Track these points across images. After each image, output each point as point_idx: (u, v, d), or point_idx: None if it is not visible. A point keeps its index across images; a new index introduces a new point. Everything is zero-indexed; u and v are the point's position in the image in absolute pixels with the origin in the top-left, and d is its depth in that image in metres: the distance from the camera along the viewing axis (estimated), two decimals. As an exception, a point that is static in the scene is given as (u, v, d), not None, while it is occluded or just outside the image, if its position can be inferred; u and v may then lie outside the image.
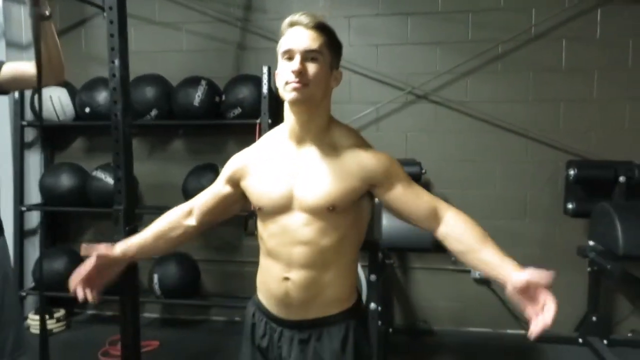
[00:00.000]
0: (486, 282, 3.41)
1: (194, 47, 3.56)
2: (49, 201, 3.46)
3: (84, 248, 1.43)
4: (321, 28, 1.27)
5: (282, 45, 1.27)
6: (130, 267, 2.03)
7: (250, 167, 1.39)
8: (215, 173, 3.35)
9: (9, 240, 3.39)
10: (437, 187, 3.36)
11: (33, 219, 3.70)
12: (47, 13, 1.73)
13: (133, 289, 2.08)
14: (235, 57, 3.50)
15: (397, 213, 1.35)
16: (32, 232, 3.69)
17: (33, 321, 3.43)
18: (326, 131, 1.32)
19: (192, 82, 3.28)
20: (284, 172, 1.32)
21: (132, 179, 2.11)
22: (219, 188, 1.46)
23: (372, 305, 2.76)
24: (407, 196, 1.32)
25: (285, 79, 1.25)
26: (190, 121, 3.34)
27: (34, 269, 3.47)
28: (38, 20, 1.66)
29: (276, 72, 1.28)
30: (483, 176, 3.35)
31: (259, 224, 1.40)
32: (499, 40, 3.25)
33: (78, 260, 3.85)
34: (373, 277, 2.66)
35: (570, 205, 3.10)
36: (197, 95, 3.22)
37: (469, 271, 3.39)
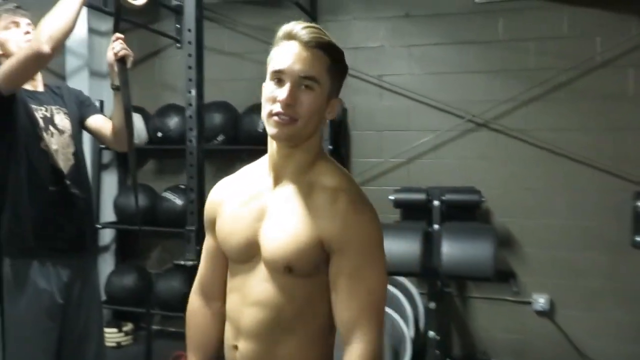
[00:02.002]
0: (548, 315, 3.32)
1: (260, 75, 3.71)
2: (122, 220, 3.68)
3: None
4: (324, 48, 1.03)
5: (273, 62, 1.05)
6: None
7: (223, 203, 1.17)
8: (277, 197, 3.47)
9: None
10: (497, 216, 3.33)
11: (107, 236, 3.94)
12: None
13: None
14: (298, 86, 3.64)
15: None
16: (106, 249, 3.92)
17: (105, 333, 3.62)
18: (309, 168, 1.08)
19: (257, 109, 3.42)
20: (253, 212, 1.10)
21: (203, 201, 2.23)
22: (208, 244, 1.22)
23: (431, 333, 2.77)
24: (341, 285, 1.02)
25: (270, 107, 1.04)
26: (254, 146, 3.49)
27: (107, 284, 3.67)
28: (128, 84, 1.87)
29: (263, 85, 1.09)
30: (545, 205, 3.30)
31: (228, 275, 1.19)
32: (561, 68, 3.22)
33: (146, 277, 4.04)
34: (432, 304, 2.67)
35: (639, 238, 3.00)
36: (261, 122, 3.36)
37: (530, 302, 3.32)
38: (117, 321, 3.73)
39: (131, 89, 4.06)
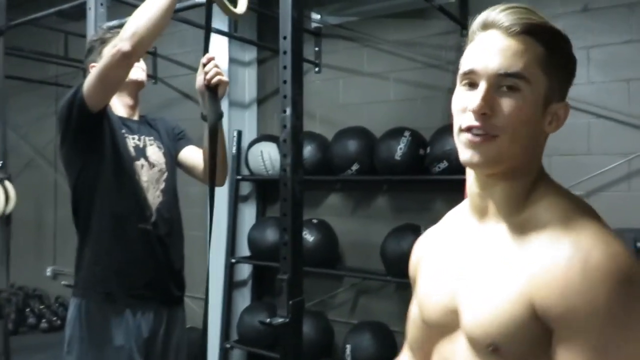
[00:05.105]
0: None
1: (401, 96, 3.30)
2: (255, 255, 3.50)
3: None
4: (536, 32, 0.77)
5: (463, 62, 0.81)
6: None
7: (422, 260, 0.95)
8: (417, 235, 2.97)
9: (219, 292, 3.51)
10: None
11: (245, 271, 3.79)
12: (220, 113, 1.66)
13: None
14: (445, 104, 3.10)
15: None
16: (242, 284, 3.77)
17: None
18: (522, 202, 0.79)
19: (395, 133, 3.00)
20: (451, 268, 0.85)
21: (300, 243, 1.88)
22: (414, 312, 0.97)
23: None
24: None
25: (459, 121, 0.79)
26: (391, 176, 3.04)
27: (239, 322, 3.49)
28: (217, 119, 1.60)
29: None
30: None
31: None
32: None
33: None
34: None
35: None
36: (399, 148, 2.92)
37: None
38: (249, 363, 3.52)
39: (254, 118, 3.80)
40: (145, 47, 1.54)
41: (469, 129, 0.77)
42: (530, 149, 0.79)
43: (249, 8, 1.67)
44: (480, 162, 0.77)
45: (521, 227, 0.77)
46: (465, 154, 0.78)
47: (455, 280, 0.83)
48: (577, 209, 0.76)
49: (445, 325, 0.84)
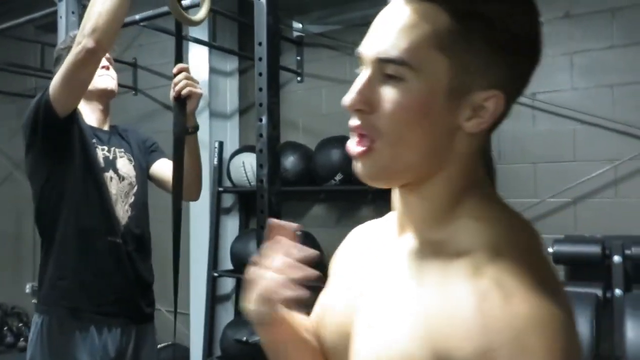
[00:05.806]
0: None
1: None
2: (239, 268, 3.41)
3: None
4: None
5: None
6: None
7: (339, 260, 0.82)
8: (403, 246, 2.92)
9: (202, 306, 3.43)
10: None
11: (228, 285, 3.70)
12: (194, 125, 1.64)
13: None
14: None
15: None
16: (225, 298, 3.68)
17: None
18: (442, 217, 0.63)
19: (378, 142, 2.96)
20: (357, 283, 0.71)
21: None
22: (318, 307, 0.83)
23: None
24: None
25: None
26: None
27: (222, 338, 3.40)
28: (183, 133, 1.56)
29: None
30: None
31: None
32: None
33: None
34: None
35: None
36: (383, 157, 2.87)
37: None
38: (233, 380, 3.42)
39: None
40: (110, 40, 1.46)
41: (352, 130, 0.62)
42: (436, 153, 0.61)
43: (214, 12, 1.62)
44: (364, 176, 0.63)
45: (437, 248, 0.61)
46: (354, 166, 0.63)
47: (357, 297, 0.68)
48: (510, 232, 0.59)
49: (338, 344, 0.70)
